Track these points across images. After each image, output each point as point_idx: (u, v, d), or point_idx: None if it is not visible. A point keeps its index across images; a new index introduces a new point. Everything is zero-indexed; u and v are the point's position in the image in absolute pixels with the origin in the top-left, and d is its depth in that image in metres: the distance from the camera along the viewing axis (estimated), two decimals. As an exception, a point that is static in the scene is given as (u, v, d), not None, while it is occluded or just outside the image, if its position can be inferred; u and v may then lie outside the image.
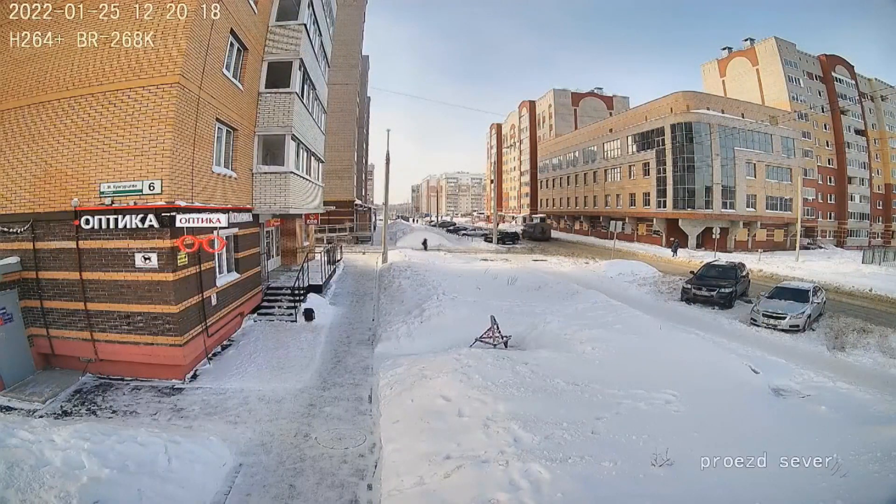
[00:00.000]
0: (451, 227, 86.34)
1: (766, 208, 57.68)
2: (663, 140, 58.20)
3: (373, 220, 68.63)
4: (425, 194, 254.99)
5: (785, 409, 10.93)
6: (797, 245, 48.52)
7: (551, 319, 16.40)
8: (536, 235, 66.20)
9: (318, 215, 28.06)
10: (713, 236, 47.96)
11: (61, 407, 11.28)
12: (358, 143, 57.88)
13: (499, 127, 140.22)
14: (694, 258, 45.49)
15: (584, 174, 78.64)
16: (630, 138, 65.14)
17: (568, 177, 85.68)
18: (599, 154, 74.02)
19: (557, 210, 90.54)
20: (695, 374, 12.06)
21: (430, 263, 31.24)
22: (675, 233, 55.94)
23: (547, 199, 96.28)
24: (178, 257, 12.62)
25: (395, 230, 70.91)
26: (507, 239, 61.08)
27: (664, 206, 57.84)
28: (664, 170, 58.03)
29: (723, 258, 37.04)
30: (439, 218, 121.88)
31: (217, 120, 14.85)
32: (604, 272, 32.24)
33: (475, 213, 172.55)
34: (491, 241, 59.69)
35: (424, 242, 49.49)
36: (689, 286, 24.38)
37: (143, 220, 12.26)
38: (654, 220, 59.65)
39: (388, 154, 35.11)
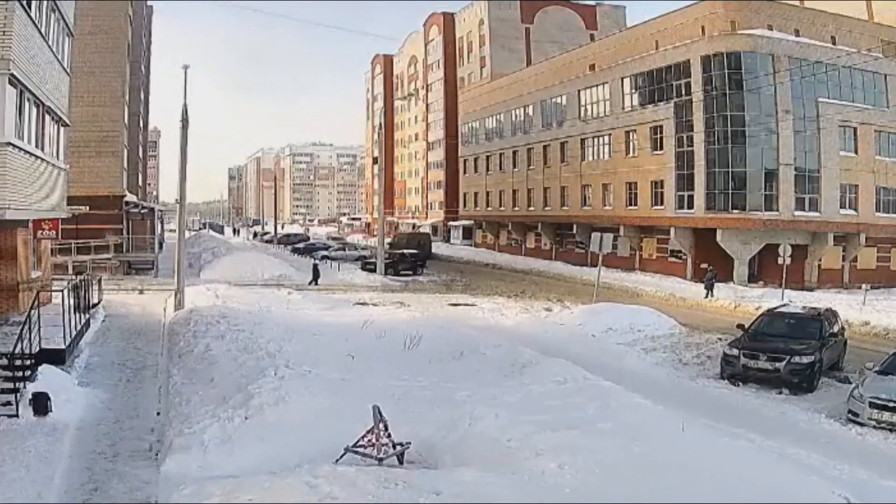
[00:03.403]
0: (302, 245, 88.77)
1: (878, 210, 59.70)
2: (689, 85, 59.37)
3: (158, 231, 69.20)
4: (254, 185, 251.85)
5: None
6: (934, 278, 49.13)
7: (484, 413, 16.79)
8: (408, 259, 68.51)
9: (59, 222, 27.75)
10: (779, 261, 48.72)
11: None
12: (132, 91, 58.02)
13: (387, 62, 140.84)
14: (744, 301, 46.96)
15: (545, 147, 79.76)
16: (628, 82, 66.54)
17: (515, 152, 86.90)
18: (571, 109, 75.02)
19: (495, 213, 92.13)
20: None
21: (264, 311, 32.54)
22: (711, 254, 57.36)
23: (476, 193, 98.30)
24: None
25: (198, 250, 71.20)
26: (402, 266, 63.43)
27: (689, 207, 59.37)
28: (689, 140, 59.28)
29: (796, 301, 37.88)
30: (279, 227, 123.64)
31: None
32: (580, 326, 33.41)
33: (345, 220, 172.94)
34: (374, 270, 61.37)
35: (315, 271, 53.02)
36: (735, 352, 25.57)
37: None
38: (673, 230, 60.98)
39: (185, 111, 35.51)
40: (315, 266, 55.52)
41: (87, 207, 39.14)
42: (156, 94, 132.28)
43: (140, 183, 66.81)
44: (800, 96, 56.91)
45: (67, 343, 22.68)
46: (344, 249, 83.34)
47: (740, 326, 28.19)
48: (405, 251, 70.61)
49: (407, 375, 21.31)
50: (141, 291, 44.30)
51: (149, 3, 70.74)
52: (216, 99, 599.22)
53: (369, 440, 15.08)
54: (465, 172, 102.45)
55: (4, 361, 19.08)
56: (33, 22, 20.15)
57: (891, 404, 19.90)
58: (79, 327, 25.66)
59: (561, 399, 18.07)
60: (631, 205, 66.19)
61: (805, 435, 19.50)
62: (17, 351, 19.11)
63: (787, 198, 56.83)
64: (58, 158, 24.81)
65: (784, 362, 24.32)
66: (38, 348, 20.48)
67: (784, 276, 49.64)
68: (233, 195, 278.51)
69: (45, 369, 19.78)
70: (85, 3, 37.64)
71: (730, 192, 57.40)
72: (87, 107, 47.40)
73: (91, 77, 48.19)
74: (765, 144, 56.82)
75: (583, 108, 73.65)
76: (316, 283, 52.20)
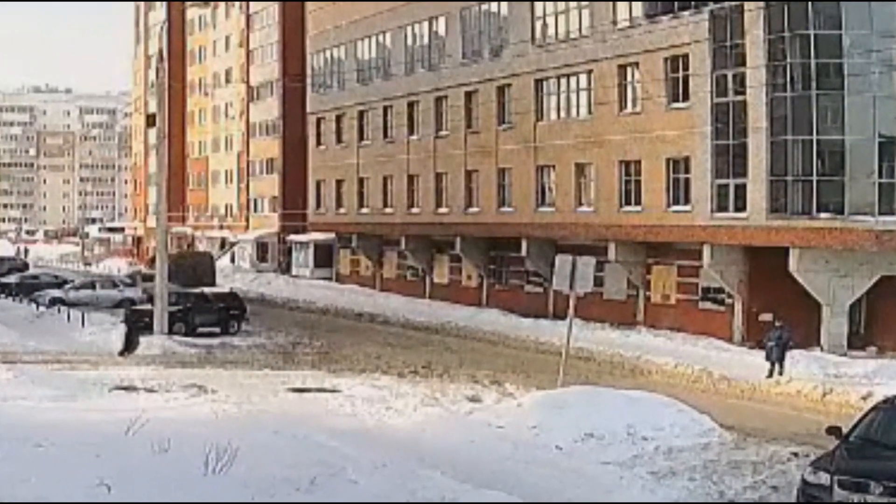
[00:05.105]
0: (16, 278, 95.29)
1: None
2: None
3: None
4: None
5: None
6: None
7: None
8: (212, 307, 71.85)
9: None
10: (908, 308, 49.11)
11: None
12: None
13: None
14: (840, 383, 46.89)
15: (468, 95, 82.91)
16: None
17: (412, 104, 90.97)
18: (517, 25, 77.28)
19: (376, 219, 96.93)
20: None
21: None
22: (778, 295, 57.37)
23: (340, 183, 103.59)
24: None
25: None
26: (202, 317, 66.63)
27: (738, 207, 59.82)
28: (739, 82, 59.65)
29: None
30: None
31: None
32: (534, 430, 32.98)
33: (95, 232, 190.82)
34: (149, 326, 62.51)
35: (132, 334, 55.63)
36: (824, 479, 22.87)
37: None
38: (707, 251, 61.40)
39: None
40: (133, 320, 55.60)
41: None
42: None
43: None
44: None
45: None
46: (93, 287, 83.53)
47: (833, 431, 25.12)
48: (205, 291, 72.26)
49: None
50: None
51: None
52: None
53: None
54: (319, 144, 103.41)
55: None
56: None
57: None
58: None
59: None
60: (629, 203, 64.63)
61: None
62: None
63: (917, 187, 55.96)
64: None
65: (919, 497, 22.43)
66: None
67: (916, 335, 49.94)
68: None
69: None
70: None
71: (813, 179, 55.05)
72: None
73: None
74: (879, 91, 53.73)
75: (538, 23, 72.71)
76: (130, 352, 52.93)
